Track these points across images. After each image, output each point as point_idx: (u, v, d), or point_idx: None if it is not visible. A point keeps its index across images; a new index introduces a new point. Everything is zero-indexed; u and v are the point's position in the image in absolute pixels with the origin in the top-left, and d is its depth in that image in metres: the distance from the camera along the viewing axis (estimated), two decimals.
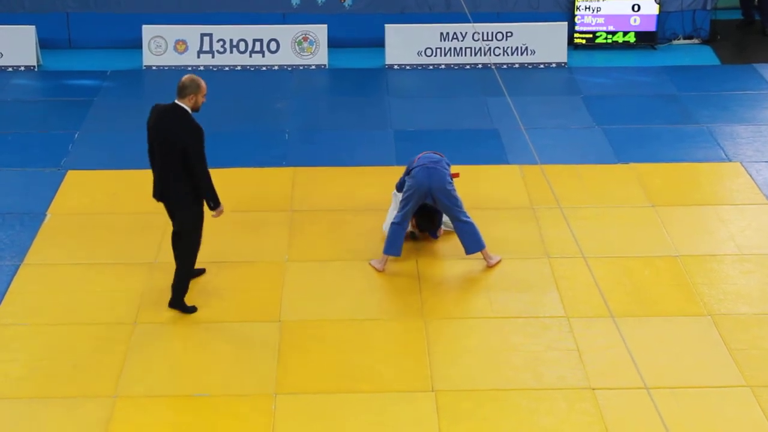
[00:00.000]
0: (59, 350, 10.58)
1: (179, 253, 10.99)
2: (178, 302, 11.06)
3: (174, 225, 11.04)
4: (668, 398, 9.86)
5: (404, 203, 11.82)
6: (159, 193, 10.88)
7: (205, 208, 10.85)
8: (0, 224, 12.81)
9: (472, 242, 11.86)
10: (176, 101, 10.66)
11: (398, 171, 12.89)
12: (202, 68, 17.62)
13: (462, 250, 12.03)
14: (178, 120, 10.59)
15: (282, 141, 15.13)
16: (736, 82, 17.17)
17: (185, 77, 10.73)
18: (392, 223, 11.89)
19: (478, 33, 17.75)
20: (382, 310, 11.27)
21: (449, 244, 12.35)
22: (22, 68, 17.57)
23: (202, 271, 11.56)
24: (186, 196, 10.71)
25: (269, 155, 14.57)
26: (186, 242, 10.94)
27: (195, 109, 10.69)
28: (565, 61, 17.89)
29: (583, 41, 18.47)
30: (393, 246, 11.82)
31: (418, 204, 11.82)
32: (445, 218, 12.34)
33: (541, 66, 17.91)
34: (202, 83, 10.69)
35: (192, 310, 11.08)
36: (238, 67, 17.76)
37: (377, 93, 16.91)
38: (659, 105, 16.32)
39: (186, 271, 11.02)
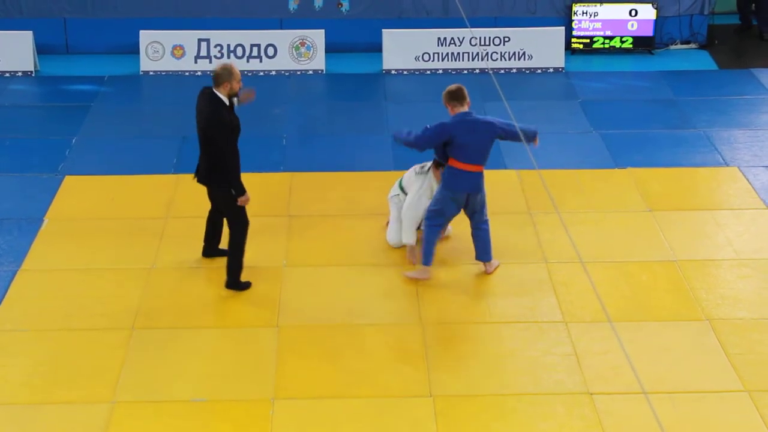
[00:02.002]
0: (57, 355, 10.58)
1: (231, 232, 11.31)
2: (234, 282, 11.42)
3: (213, 205, 11.66)
4: (666, 403, 9.87)
5: (440, 212, 11.63)
6: (201, 176, 11.27)
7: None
8: None
9: (483, 252, 11.89)
10: (213, 89, 10.96)
11: (396, 176, 12.89)
12: (199, 74, 17.62)
13: (461, 254, 12.06)
14: (210, 109, 10.92)
15: (279, 146, 15.14)
16: (734, 87, 17.19)
17: (218, 66, 11.01)
18: (431, 227, 11.70)
19: (476, 38, 17.76)
20: (380, 315, 11.27)
21: (448, 249, 12.35)
22: (20, 74, 17.56)
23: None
24: (218, 181, 11.12)
25: (267, 160, 14.57)
26: (231, 221, 11.29)
27: (232, 95, 10.99)
28: (563, 66, 17.91)
29: (581, 46, 18.48)
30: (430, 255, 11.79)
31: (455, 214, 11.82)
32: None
33: (539, 71, 17.92)
34: (235, 69, 10.92)
35: (247, 285, 11.50)
36: None
37: (375, 98, 16.92)
38: (657, 110, 16.34)
39: (238, 248, 11.32)
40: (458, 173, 11.40)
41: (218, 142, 10.90)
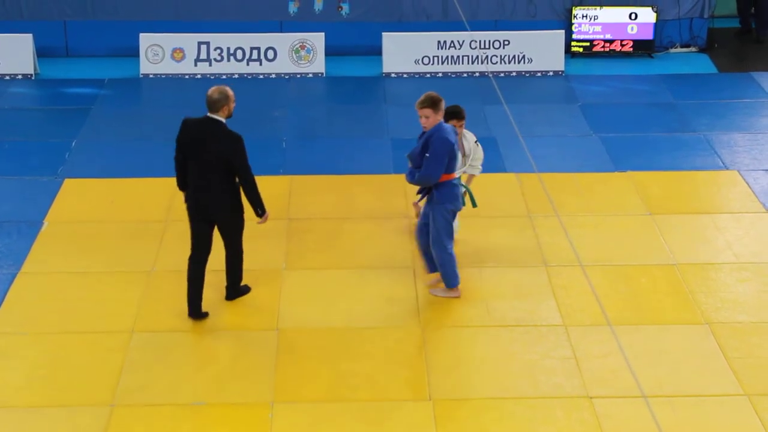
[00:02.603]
0: (57, 359, 10.57)
1: (228, 249, 11.17)
2: (236, 291, 11.42)
3: (205, 247, 11.13)
4: (666, 407, 9.86)
5: (450, 230, 11.30)
6: (200, 207, 10.89)
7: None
8: None
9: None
10: (209, 114, 10.73)
11: (395, 179, 12.92)
12: (199, 76, 17.63)
13: (460, 257, 12.07)
14: (217, 133, 10.69)
15: (279, 149, 15.14)
16: (734, 91, 17.20)
17: (212, 92, 10.72)
18: (449, 254, 11.31)
19: (476, 41, 17.77)
20: (379, 318, 11.26)
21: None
22: (20, 76, 17.57)
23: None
24: (231, 206, 10.90)
25: (266, 163, 14.56)
26: (232, 243, 11.15)
27: (228, 116, 10.81)
28: (563, 69, 17.91)
29: (581, 49, 18.49)
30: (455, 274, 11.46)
31: None
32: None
33: (539, 74, 17.93)
34: (230, 92, 10.74)
35: (246, 290, 11.54)
36: (236, 76, 17.76)
37: (374, 101, 16.92)
38: (656, 113, 16.34)
39: (239, 258, 11.27)
40: (454, 184, 11.25)
41: (241, 165, 10.72)
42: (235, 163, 10.69)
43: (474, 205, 12.00)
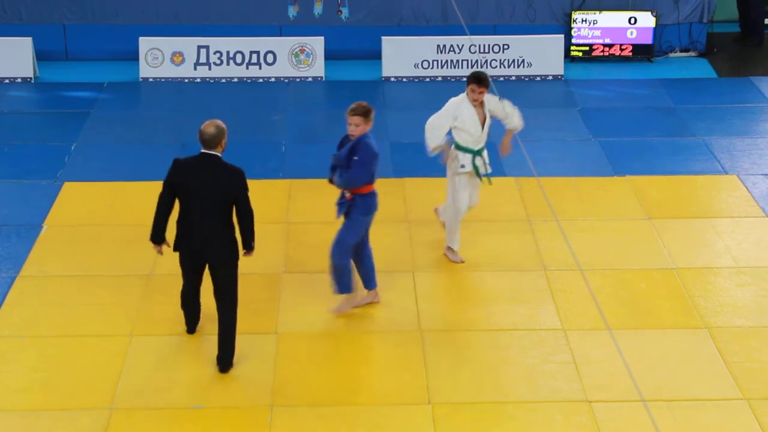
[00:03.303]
0: (55, 362, 10.57)
1: (225, 310, 10.42)
2: (230, 361, 10.52)
3: (196, 284, 10.68)
4: (665, 411, 9.85)
5: (357, 242, 11.15)
6: (194, 252, 10.36)
7: None
8: None
9: (370, 279, 11.44)
10: (204, 151, 10.14)
11: (394, 183, 12.91)
12: (198, 80, 17.63)
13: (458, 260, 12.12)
14: (219, 170, 10.13)
15: (278, 153, 15.14)
16: (733, 95, 17.20)
17: (207, 126, 10.10)
18: (349, 261, 11.21)
19: (475, 45, 17.77)
20: (378, 322, 11.26)
21: (445, 256, 12.35)
22: (19, 80, 17.57)
23: None
24: (230, 249, 10.28)
25: (265, 167, 14.57)
26: (229, 301, 10.41)
27: (222, 150, 10.21)
28: (562, 73, 17.92)
29: (580, 54, 18.50)
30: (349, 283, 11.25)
31: None
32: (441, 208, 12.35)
33: (538, 78, 17.93)
34: (223, 125, 10.15)
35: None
36: (235, 79, 17.77)
37: (374, 105, 16.63)
38: (656, 118, 16.34)
39: (234, 321, 10.48)
40: (375, 194, 11.09)
41: (244, 199, 10.19)
42: (238, 198, 10.14)
43: (488, 179, 12.02)
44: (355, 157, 10.81)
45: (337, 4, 18.30)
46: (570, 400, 10.03)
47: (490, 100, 11.96)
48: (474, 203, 12.26)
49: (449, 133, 11.85)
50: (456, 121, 11.79)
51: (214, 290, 10.44)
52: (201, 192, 10.10)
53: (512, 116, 12.09)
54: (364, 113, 10.86)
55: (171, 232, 10.41)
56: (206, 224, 10.17)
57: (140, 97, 17.33)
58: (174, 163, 10.27)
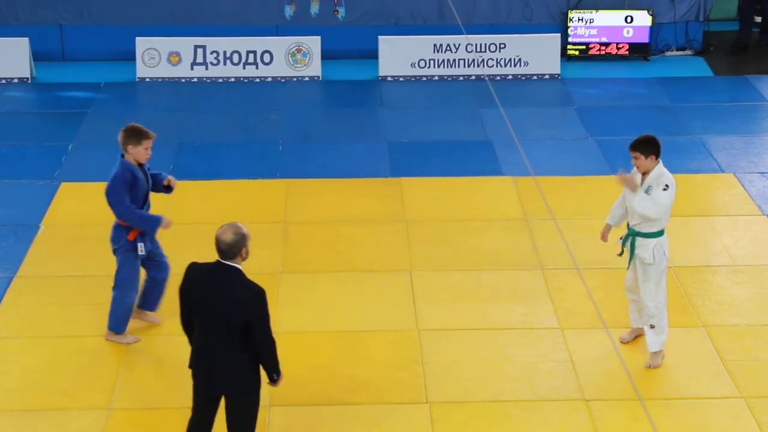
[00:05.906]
0: (53, 362, 10.57)
1: None
2: None
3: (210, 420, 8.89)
4: (662, 409, 9.86)
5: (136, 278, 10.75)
6: (210, 380, 8.61)
7: None
8: None
9: (154, 301, 11.10)
10: (222, 261, 8.46)
11: (392, 182, 12.91)
12: (195, 80, 17.63)
13: (457, 260, 12.08)
14: (235, 286, 8.43)
15: (275, 152, 15.14)
16: (729, 94, 17.22)
17: (223, 236, 8.36)
18: (131, 301, 10.81)
19: (472, 44, 17.77)
20: (376, 321, 11.26)
21: (443, 255, 12.36)
22: (16, 80, 17.56)
23: None
24: (244, 377, 8.60)
25: (263, 167, 14.57)
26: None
27: (245, 259, 8.58)
28: (559, 72, 17.92)
29: (577, 53, 18.50)
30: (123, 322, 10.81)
31: None
32: None
33: (535, 77, 17.94)
34: (244, 230, 8.44)
35: None
36: (232, 79, 17.77)
37: (371, 104, 16.92)
38: (652, 116, 16.35)
39: None
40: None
41: (263, 325, 8.49)
42: (253, 323, 8.39)
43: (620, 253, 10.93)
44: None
45: (334, 4, 18.30)
46: (567, 399, 10.04)
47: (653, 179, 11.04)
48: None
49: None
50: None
51: (226, 423, 8.78)
52: (211, 310, 8.45)
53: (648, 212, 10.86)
54: (139, 135, 10.33)
55: None
56: (215, 347, 8.50)
57: (137, 97, 17.32)
58: (186, 270, 8.67)
